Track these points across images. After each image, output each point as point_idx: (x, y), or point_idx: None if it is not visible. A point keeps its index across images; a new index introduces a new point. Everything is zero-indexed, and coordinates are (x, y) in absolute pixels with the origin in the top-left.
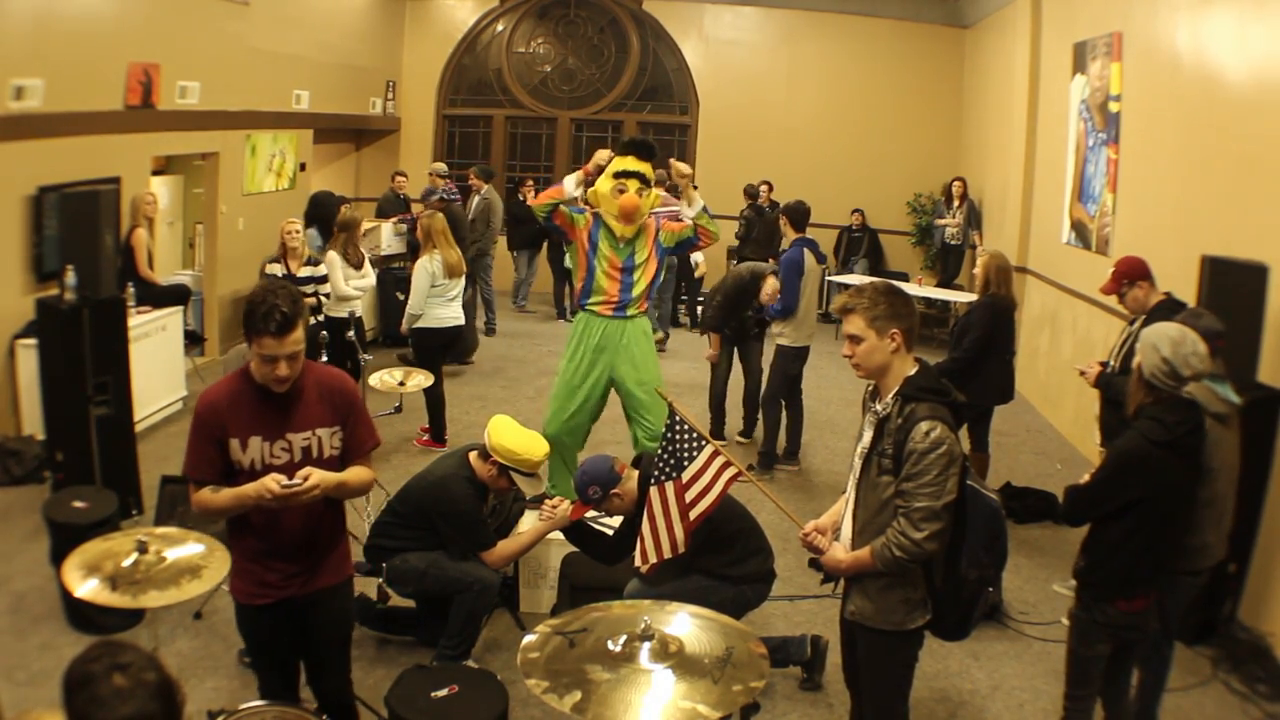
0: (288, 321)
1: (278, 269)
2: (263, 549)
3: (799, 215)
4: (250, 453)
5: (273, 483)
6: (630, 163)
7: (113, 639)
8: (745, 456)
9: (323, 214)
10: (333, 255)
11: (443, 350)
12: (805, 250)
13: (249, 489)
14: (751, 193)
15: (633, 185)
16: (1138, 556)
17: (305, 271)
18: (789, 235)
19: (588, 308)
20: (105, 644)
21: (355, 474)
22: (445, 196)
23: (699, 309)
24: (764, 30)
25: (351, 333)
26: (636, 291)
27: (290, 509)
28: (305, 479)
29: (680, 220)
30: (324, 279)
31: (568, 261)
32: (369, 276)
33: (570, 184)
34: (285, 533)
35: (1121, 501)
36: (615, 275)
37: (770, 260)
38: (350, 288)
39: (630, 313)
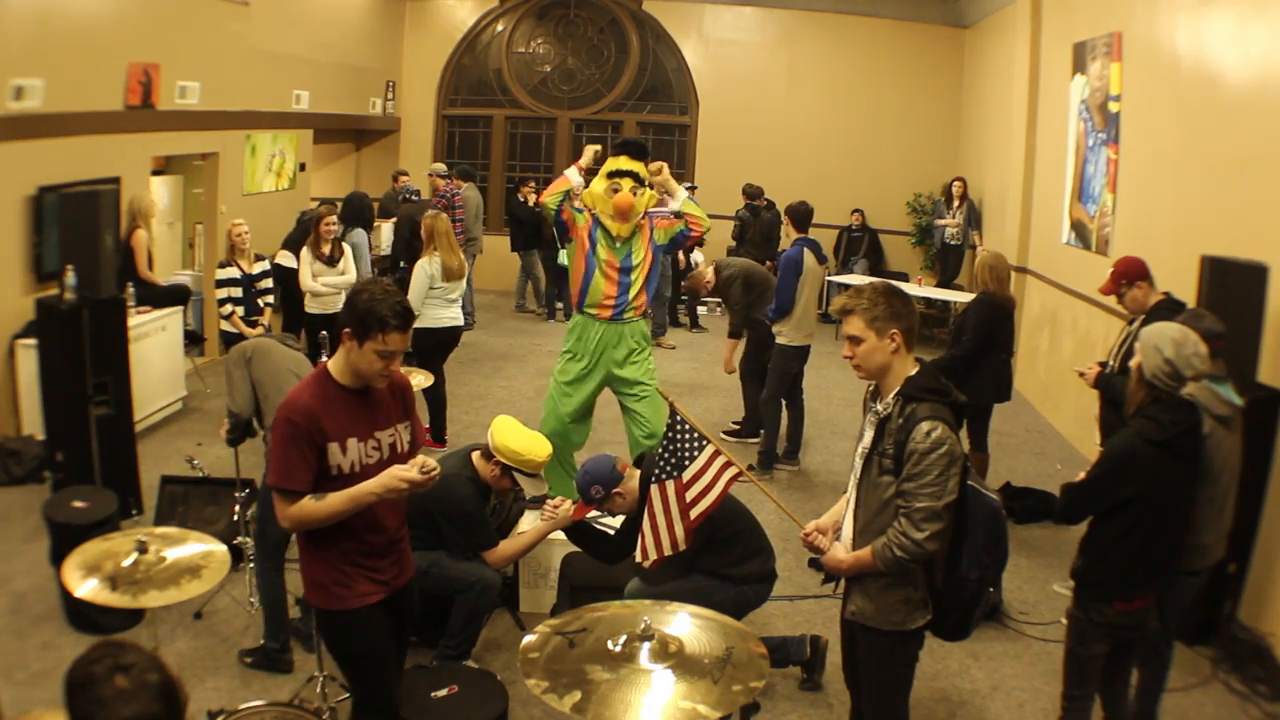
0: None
1: (231, 272)
2: (364, 549)
3: (801, 216)
4: (350, 455)
5: (410, 472)
6: (623, 162)
7: (115, 639)
8: (745, 456)
9: (357, 212)
10: (303, 252)
11: (442, 351)
12: (805, 250)
13: (371, 486)
14: (751, 193)
15: (626, 184)
16: (1134, 557)
17: (258, 268)
18: (791, 235)
19: (585, 310)
20: (107, 644)
21: None
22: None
23: (697, 309)
24: (764, 30)
25: None
26: (634, 292)
27: (387, 503)
28: (424, 465)
29: (670, 218)
30: (268, 275)
31: (563, 258)
32: (348, 273)
33: (573, 173)
34: (384, 529)
35: (1115, 499)
36: (613, 275)
37: (768, 263)
38: (319, 284)
39: (627, 315)
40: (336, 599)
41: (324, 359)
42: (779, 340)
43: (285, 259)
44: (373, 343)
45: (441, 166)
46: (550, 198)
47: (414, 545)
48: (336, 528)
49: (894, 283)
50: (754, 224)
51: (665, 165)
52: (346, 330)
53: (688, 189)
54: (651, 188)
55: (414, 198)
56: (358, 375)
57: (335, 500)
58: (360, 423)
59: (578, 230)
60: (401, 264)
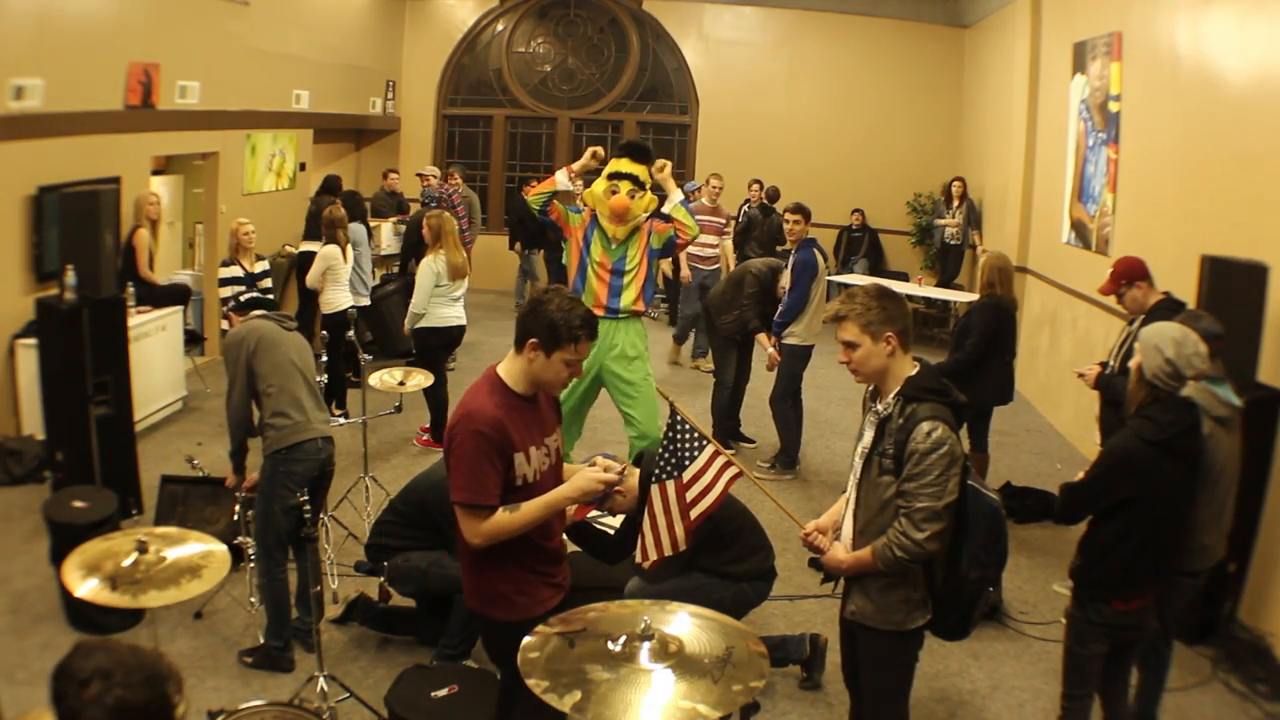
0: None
1: (234, 270)
2: (541, 555)
3: (808, 215)
4: (533, 464)
5: (603, 473)
6: (624, 165)
7: (100, 638)
8: (747, 460)
9: (354, 209)
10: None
11: (445, 350)
12: (815, 251)
13: (566, 491)
14: (771, 195)
15: (625, 186)
16: (1133, 556)
17: (260, 267)
18: (798, 236)
19: None
20: (90, 641)
21: None
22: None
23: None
24: (764, 30)
25: (351, 331)
26: (626, 297)
27: None
28: (614, 466)
29: (667, 220)
30: (269, 274)
31: (565, 259)
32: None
33: (561, 176)
34: (555, 534)
35: (1114, 499)
36: (605, 277)
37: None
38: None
39: (622, 314)
40: (519, 609)
41: (323, 360)
42: (787, 341)
43: (309, 247)
44: (563, 352)
45: (435, 169)
46: (534, 196)
47: (414, 545)
48: (515, 538)
49: (886, 283)
50: (762, 224)
51: (669, 164)
52: (533, 340)
53: (692, 189)
54: (654, 190)
55: (432, 204)
56: (538, 384)
57: (531, 509)
58: (535, 431)
59: (571, 230)
60: (410, 266)
